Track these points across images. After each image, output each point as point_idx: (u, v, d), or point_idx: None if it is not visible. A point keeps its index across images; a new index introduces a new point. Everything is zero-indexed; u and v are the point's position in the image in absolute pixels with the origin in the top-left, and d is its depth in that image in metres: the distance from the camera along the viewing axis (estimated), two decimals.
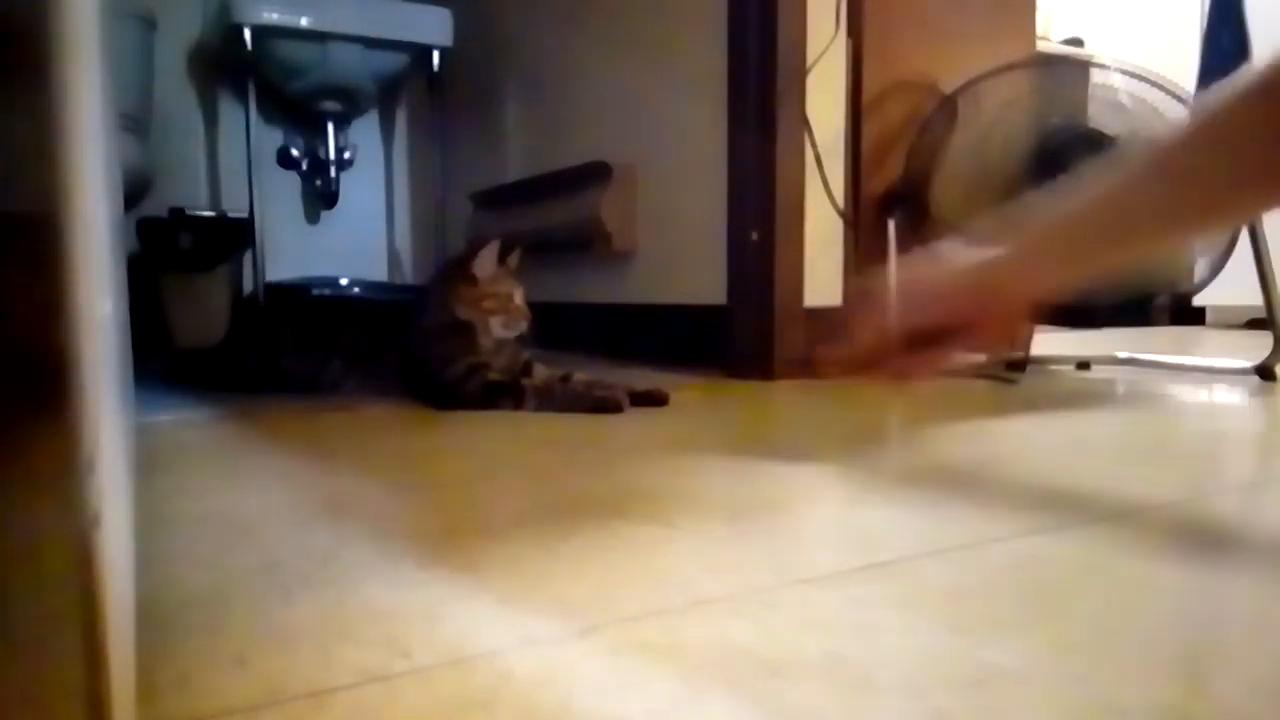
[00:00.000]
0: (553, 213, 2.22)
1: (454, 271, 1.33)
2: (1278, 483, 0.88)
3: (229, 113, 2.71)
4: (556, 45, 2.39)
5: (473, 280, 1.28)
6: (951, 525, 0.67)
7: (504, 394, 1.26)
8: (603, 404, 1.23)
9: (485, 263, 1.28)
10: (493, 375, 1.28)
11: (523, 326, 1.31)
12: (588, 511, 0.71)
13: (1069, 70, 2.22)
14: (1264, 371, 1.62)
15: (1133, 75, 1.63)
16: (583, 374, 1.37)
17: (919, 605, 0.50)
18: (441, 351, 1.29)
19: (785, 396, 1.49)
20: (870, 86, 1.76)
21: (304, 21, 2.35)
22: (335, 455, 0.97)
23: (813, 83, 1.68)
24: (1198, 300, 3.28)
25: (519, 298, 1.31)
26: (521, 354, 1.34)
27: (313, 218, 2.89)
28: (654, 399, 1.28)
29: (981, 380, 1.66)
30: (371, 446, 1.04)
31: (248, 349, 1.52)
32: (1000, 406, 1.34)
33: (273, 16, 2.31)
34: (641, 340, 2.02)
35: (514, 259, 1.33)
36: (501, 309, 1.29)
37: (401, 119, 3.01)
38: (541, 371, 1.34)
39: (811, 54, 1.68)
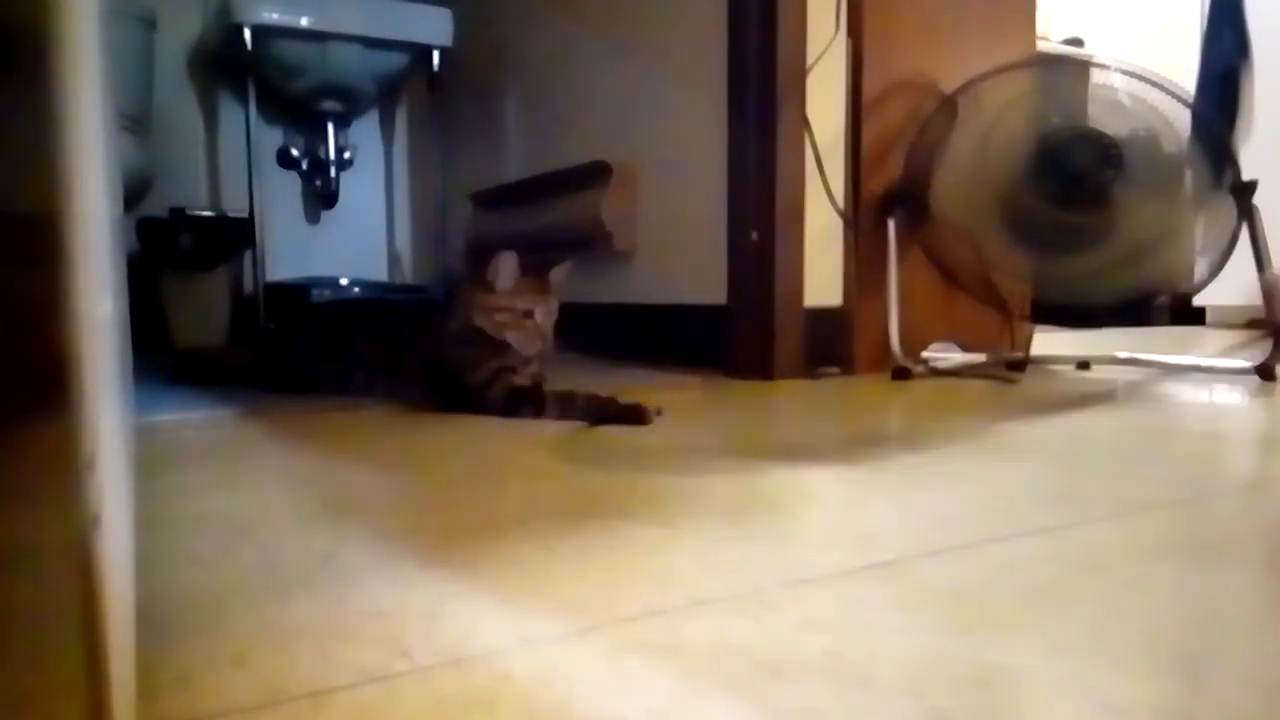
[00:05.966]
0: (553, 213, 2.22)
1: (476, 275, 1.27)
2: (1278, 483, 0.88)
3: (229, 113, 2.72)
4: (556, 45, 2.39)
5: (489, 288, 1.23)
6: (951, 525, 0.67)
7: (525, 401, 1.21)
8: (628, 414, 1.16)
9: (503, 273, 1.22)
10: (518, 380, 1.23)
11: (537, 346, 1.24)
12: (588, 511, 0.71)
13: (1069, 70, 2.23)
14: (1264, 371, 1.62)
15: (1133, 75, 1.63)
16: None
17: (919, 605, 0.50)
18: (467, 355, 1.24)
19: (785, 396, 1.49)
20: (870, 86, 1.76)
21: (304, 21, 2.35)
22: (335, 455, 0.97)
23: (813, 83, 1.68)
24: (1198, 300, 3.30)
25: (541, 315, 1.24)
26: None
27: (313, 218, 2.89)
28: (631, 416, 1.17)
29: (982, 380, 1.66)
30: (372, 447, 1.04)
31: (279, 356, 1.51)
32: (1000, 406, 1.34)
33: (273, 16, 2.31)
34: (641, 340, 2.02)
35: (561, 273, 1.27)
36: (515, 324, 1.23)
37: (401, 119, 3.01)
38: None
39: (811, 54, 1.68)
